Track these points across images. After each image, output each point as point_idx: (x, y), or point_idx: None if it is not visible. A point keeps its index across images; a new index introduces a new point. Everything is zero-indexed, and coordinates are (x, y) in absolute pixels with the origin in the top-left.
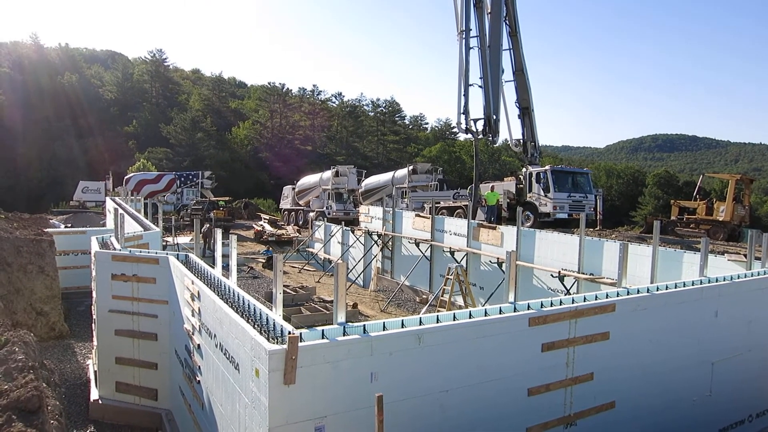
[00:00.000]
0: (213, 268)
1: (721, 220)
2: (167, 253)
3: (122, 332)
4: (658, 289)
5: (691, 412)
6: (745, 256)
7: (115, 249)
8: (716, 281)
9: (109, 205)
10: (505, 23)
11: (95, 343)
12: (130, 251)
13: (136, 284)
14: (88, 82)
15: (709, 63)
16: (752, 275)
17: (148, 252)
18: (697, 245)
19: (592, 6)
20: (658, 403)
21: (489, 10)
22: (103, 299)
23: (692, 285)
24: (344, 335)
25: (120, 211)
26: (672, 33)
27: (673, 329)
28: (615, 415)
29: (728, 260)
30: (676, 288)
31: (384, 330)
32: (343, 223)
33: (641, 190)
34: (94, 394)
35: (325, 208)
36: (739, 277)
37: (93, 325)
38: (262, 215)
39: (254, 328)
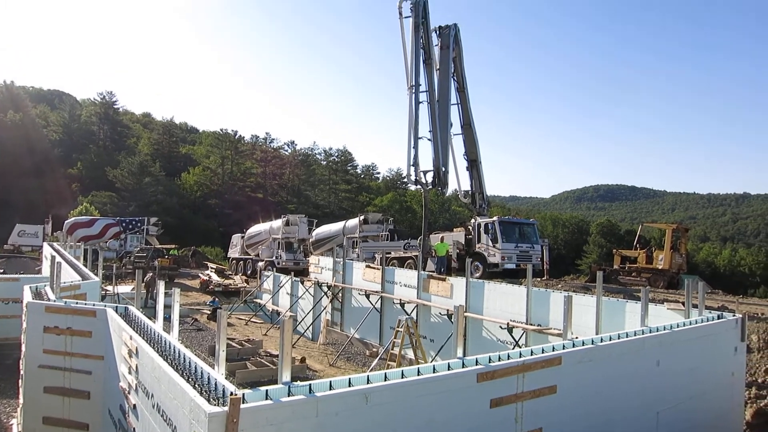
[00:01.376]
0: (154, 320)
1: (660, 268)
2: (105, 305)
3: (52, 390)
4: (602, 340)
5: None
6: (683, 304)
7: (49, 299)
8: (657, 330)
9: (47, 250)
10: (453, 79)
11: (21, 400)
12: (66, 302)
13: (70, 338)
14: (33, 121)
15: (646, 116)
16: (690, 323)
17: (85, 303)
18: (639, 294)
19: (537, 61)
20: None
21: (438, 67)
22: (33, 353)
23: (634, 335)
24: (289, 395)
25: (57, 258)
26: (609, 89)
27: (618, 380)
28: None
29: (668, 309)
30: (619, 339)
31: (330, 389)
32: (292, 273)
33: (585, 239)
34: None
35: (274, 258)
36: (678, 326)
37: (20, 380)
38: (209, 264)
39: (194, 388)
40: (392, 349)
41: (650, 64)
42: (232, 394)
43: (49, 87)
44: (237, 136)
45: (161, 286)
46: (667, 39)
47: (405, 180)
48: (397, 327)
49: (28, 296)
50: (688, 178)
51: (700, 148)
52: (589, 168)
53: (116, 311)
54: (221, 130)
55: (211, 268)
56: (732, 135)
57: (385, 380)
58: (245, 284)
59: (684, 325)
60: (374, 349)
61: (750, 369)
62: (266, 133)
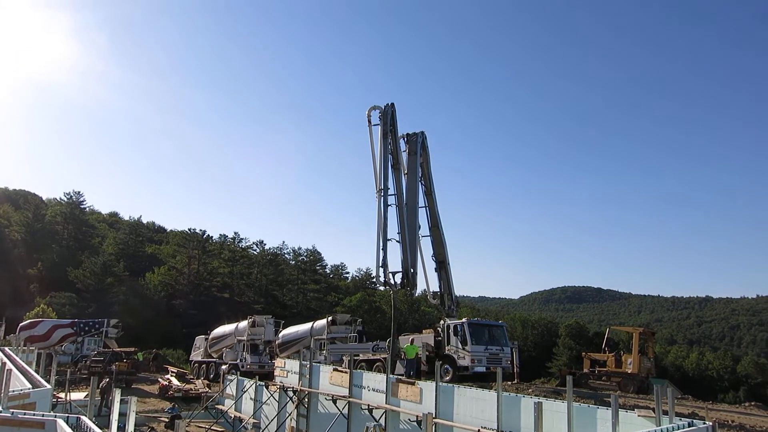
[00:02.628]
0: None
1: (630, 372)
2: (55, 416)
3: None
4: None
5: None
6: (653, 410)
7: None
8: None
9: None
10: (421, 183)
11: None
12: (13, 413)
13: None
14: None
15: (610, 219)
16: (661, 431)
17: (34, 414)
18: (609, 399)
19: (501, 165)
20: None
21: (406, 171)
22: None
23: None
24: None
25: (8, 365)
26: (573, 192)
27: None
28: None
29: (638, 416)
30: None
31: None
32: (257, 377)
33: (555, 341)
34: None
35: (239, 361)
36: None
37: None
38: (170, 368)
39: None
40: None
41: (610, 175)
42: None
43: (15, 187)
44: (205, 236)
45: (117, 393)
46: (627, 143)
47: (374, 280)
48: None
49: None
50: (653, 281)
51: (664, 252)
52: (557, 270)
53: (67, 422)
54: (189, 229)
55: (172, 372)
56: (694, 240)
57: None
58: (207, 389)
59: None
60: None
61: None
62: (234, 233)
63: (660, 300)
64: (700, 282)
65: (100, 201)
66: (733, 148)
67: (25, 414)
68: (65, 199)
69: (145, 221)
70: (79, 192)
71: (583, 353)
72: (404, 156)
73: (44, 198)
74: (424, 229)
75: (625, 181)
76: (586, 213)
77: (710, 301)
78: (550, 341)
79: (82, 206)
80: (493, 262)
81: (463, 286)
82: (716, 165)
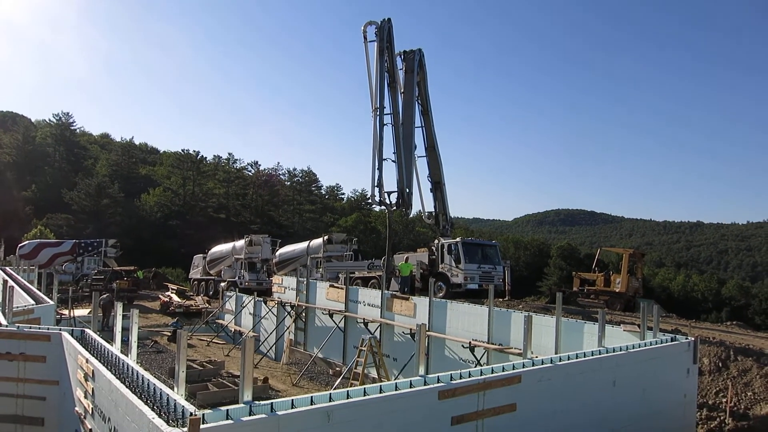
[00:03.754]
0: (112, 343)
1: (617, 291)
2: (60, 329)
3: (4, 418)
4: (560, 359)
5: None
6: (639, 326)
7: (0, 325)
8: (613, 351)
9: None
10: (418, 103)
11: None
12: (18, 327)
13: (23, 363)
14: None
15: (605, 143)
16: (645, 345)
17: (39, 328)
18: (597, 315)
19: (499, 86)
20: None
21: (402, 90)
22: None
23: (592, 355)
24: (250, 415)
25: (9, 282)
26: (570, 115)
27: (576, 398)
28: None
29: (624, 330)
30: (577, 359)
31: (292, 408)
32: (255, 293)
33: (546, 262)
34: None
35: (237, 278)
36: (633, 347)
37: None
38: (170, 285)
39: (153, 410)
40: (355, 368)
41: (610, 96)
42: (191, 414)
43: (2, 109)
44: (199, 157)
45: (119, 308)
46: (623, 70)
47: (369, 201)
48: (361, 346)
49: None
50: (645, 206)
51: (658, 177)
52: (551, 193)
53: (72, 335)
54: (183, 150)
55: (172, 289)
56: (688, 165)
57: (348, 398)
58: (207, 305)
59: (639, 347)
60: (338, 369)
61: (701, 391)
62: (229, 154)
63: (651, 224)
64: (692, 207)
65: (90, 122)
66: (729, 68)
67: (30, 328)
68: (54, 121)
69: (137, 142)
70: (68, 113)
71: (574, 273)
72: (401, 74)
73: (33, 120)
74: (420, 150)
75: (621, 103)
76: (582, 137)
77: (701, 226)
78: (541, 262)
79: (72, 127)
80: (488, 185)
81: (457, 208)
82: (713, 86)
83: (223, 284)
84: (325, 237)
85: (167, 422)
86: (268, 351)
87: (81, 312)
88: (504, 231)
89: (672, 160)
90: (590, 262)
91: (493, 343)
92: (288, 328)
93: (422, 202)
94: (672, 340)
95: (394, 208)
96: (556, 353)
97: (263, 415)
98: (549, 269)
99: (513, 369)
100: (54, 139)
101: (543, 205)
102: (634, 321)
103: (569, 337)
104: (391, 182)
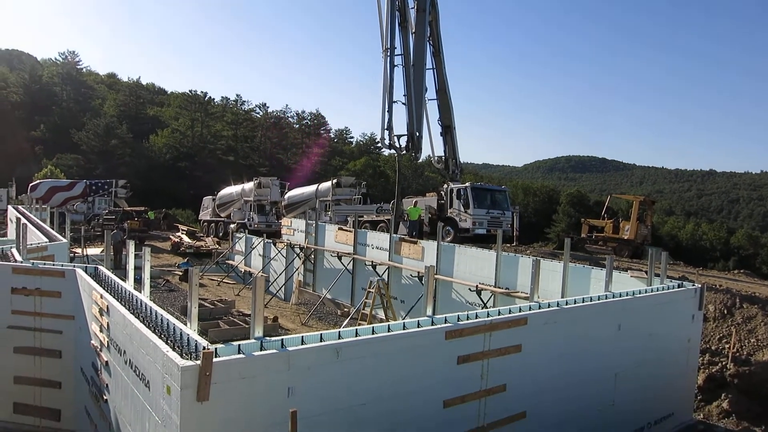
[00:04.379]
0: (124, 281)
1: (626, 238)
2: (74, 265)
3: (22, 350)
4: (567, 303)
5: (596, 421)
6: (646, 272)
7: (16, 261)
8: (620, 296)
9: (11, 213)
10: (429, 43)
11: None
12: (33, 263)
13: (39, 298)
14: None
15: (618, 91)
16: (652, 291)
17: (53, 264)
18: (604, 261)
19: (511, 33)
20: (566, 413)
21: (413, 30)
22: (1, 314)
23: (598, 300)
24: (261, 350)
25: (23, 220)
26: (583, 63)
27: (581, 341)
28: (525, 425)
29: (631, 276)
30: (583, 302)
31: (302, 344)
32: (264, 235)
33: (555, 208)
34: None
35: (246, 220)
36: (640, 293)
37: None
38: (180, 226)
39: (167, 343)
40: (363, 309)
41: (623, 44)
42: (204, 348)
43: (7, 47)
44: (207, 98)
45: (131, 246)
46: (639, 19)
47: (379, 144)
48: (369, 288)
49: None
50: (657, 153)
51: (671, 125)
52: (562, 139)
53: (86, 271)
54: (190, 91)
55: (182, 230)
56: (701, 114)
57: (356, 336)
58: (217, 246)
59: (646, 292)
60: (346, 309)
61: (705, 337)
62: (237, 95)
63: (663, 172)
64: (705, 155)
65: (96, 62)
66: (744, 21)
67: (45, 264)
68: (60, 59)
69: (144, 83)
70: (74, 51)
71: (582, 219)
72: (412, 13)
73: (39, 59)
74: (430, 93)
75: (635, 52)
76: (595, 83)
77: (713, 174)
78: (550, 209)
79: (78, 66)
80: (499, 130)
81: (467, 153)
82: (726, 39)
83: (232, 226)
84: (334, 180)
85: (181, 355)
86: (277, 291)
87: (93, 251)
88: (513, 177)
89: (687, 107)
90: (599, 209)
91: (499, 287)
92: (297, 269)
93: (432, 146)
94: (679, 287)
95: (404, 151)
96: (562, 298)
97: (274, 351)
98: (558, 216)
99: (519, 311)
100: (61, 78)
101: (553, 151)
102: (642, 267)
103: (576, 282)
104: (401, 125)
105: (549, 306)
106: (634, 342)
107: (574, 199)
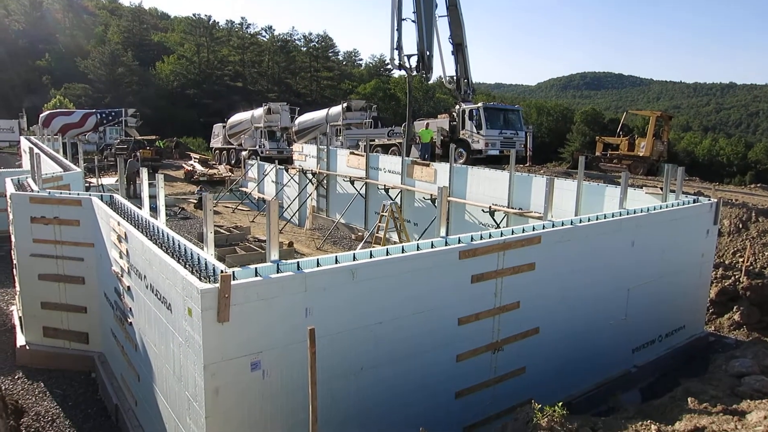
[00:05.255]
0: (140, 209)
1: (641, 155)
2: (90, 194)
3: (46, 276)
4: (581, 221)
5: (608, 335)
6: (661, 189)
7: (32, 191)
8: (634, 213)
9: (24, 144)
10: None
11: (18, 288)
12: (50, 193)
13: (59, 227)
14: None
15: (638, 6)
16: (667, 206)
17: (69, 193)
18: (619, 179)
19: None
20: (579, 328)
21: None
22: (23, 243)
23: (612, 217)
24: (278, 272)
25: (36, 150)
26: None
27: (594, 259)
28: (539, 339)
29: (646, 193)
30: (597, 220)
31: (318, 266)
32: (276, 161)
33: (569, 127)
34: (21, 340)
35: (257, 147)
36: (655, 209)
37: (14, 270)
38: (193, 155)
39: (185, 268)
40: (377, 233)
41: None
42: (222, 271)
43: None
44: (211, 22)
45: (144, 173)
46: None
47: (388, 66)
48: (382, 211)
49: (10, 188)
50: (675, 67)
51: (689, 37)
52: (577, 55)
53: (102, 200)
54: (194, 15)
55: (195, 158)
56: (721, 24)
57: (371, 258)
58: (230, 173)
59: (661, 208)
60: (360, 233)
61: (719, 251)
62: (242, 18)
63: (681, 86)
64: (725, 68)
65: None
66: None
67: (61, 193)
68: None
69: (146, 7)
70: None
71: (597, 137)
72: None
73: None
74: (441, 9)
75: None
76: None
77: (733, 87)
78: (564, 128)
79: None
80: (512, 48)
81: (479, 73)
82: None
83: (244, 153)
84: (344, 104)
85: (200, 279)
86: (291, 217)
87: (107, 180)
88: (527, 96)
89: (707, 19)
90: (614, 127)
91: (513, 208)
92: (310, 195)
93: (443, 65)
94: (694, 202)
95: (414, 72)
96: (576, 216)
97: (290, 273)
98: (572, 135)
99: (533, 230)
100: (61, 4)
101: (568, 68)
102: (657, 184)
103: (590, 201)
104: (411, 45)
105: (563, 224)
106: (648, 258)
107: (589, 117)
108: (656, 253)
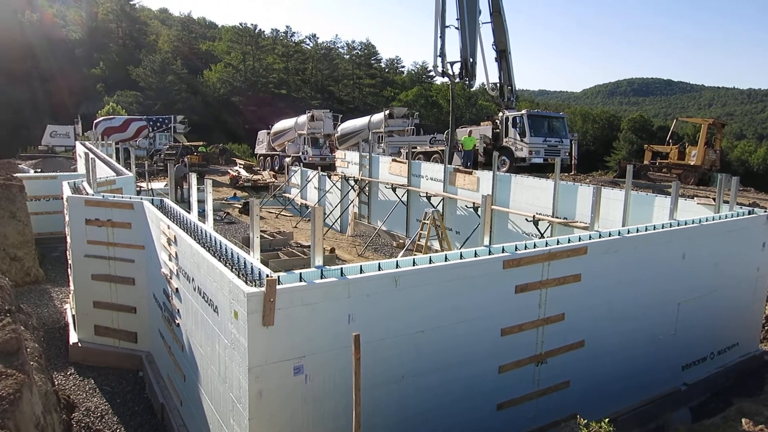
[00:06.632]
0: (189, 213)
1: (692, 164)
2: (142, 198)
3: (99, 277)
4: (629, 231)
5: (657, 350)
6: (714, 199)
7: (88, 194)
8: (685, 224)
9: (80, 149)
10: None
11: (72, 287)
12: (104, 196)
13: (111, 229)
14: (51, 21)
15: (686, 6)
16: (720, 218)
17: (122, 197)
18: (669, 189)
19: None
20: (626, 342)
21: None
22: (77, 244)
23: (662, 228)
24: (322, 278)
25: (91, 155)
26: None
27: (642, 271)
28: (584, 353)
29: (697, 203)
30: (646, 231)
31: (361, 273)
32: (319, 168)
33: (616, 135)
34: (74, 338)
35: (301, 153)
36: (707, 220)
37: (69, 270)
38: (238, 160)
39: (232, 271)
40: (418, 240)
41: None
42: (267, 276)
43: None
44: (257, 31)
45: (193, 179)
46: None
47: (431, 73)
48: (424, 219)
49: (67, 191)
50: (727, 73)
51: (743, 41)
52: (623, 61)
53: (152, 203)
54: (240, 24)
55: (240, 164)
56: None
57: (414, 265)
58: (273, 179)
59: (713, 220)
60: (401, 241)
61: None
62: (287, 27)
63: (734, 92)
64: None
65: None
66: None
67: (114, 197)
68: None
69: (195, 17)
70: None
71: (645, 145)
72: None
73: None
74: (484, 15)
75: None
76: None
77: None
78: (610, 135)
79: (131, 2)
80: (556, 54)
81: (522, 80)
82: None
83: (287, 159)
84: (387, 111)
85: (246, 282)
86: (333, 223)
87: (157, 185)
88: (572, 103)
89: (762, 21)
90: (663, 134)
91: (557, 217)
92: (352, 201)
93: (486, 72)
94: (749, 214)
95: (457, 79)
96: (623, 227)
97: (334, 279)
98: (618, 143)
99: (579, 240)
100: (115, 15)
101: (614, 74)
102: (709, 195)
103: (638, 211)
104: (454, 52)
105: (610, 235)
106: (700, 271)
107: (637, 124)
108: (708, 266)
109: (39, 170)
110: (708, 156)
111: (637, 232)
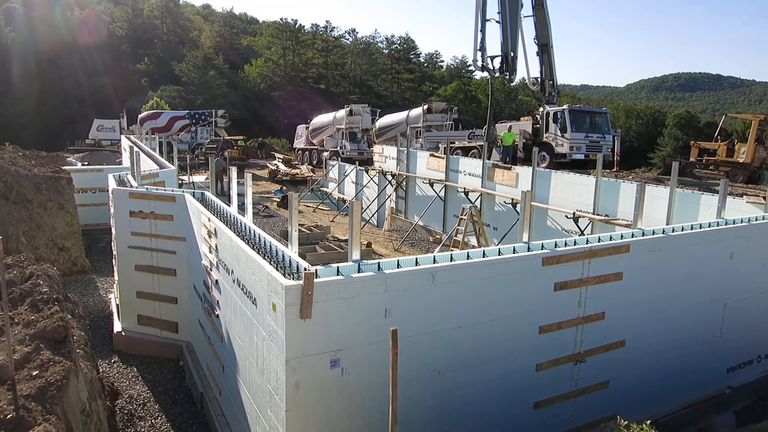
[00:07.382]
0: (229, 205)
1: (741, 161)
2: (183, 191)
3: (142, 268)
4: (673, 230)
5: (701, 352)
6: (764, 198)
7: (132, 186)
8: (733, 223)
9: (125, 143)
10: None
11: (116, 277)
12: (147, 189)
13: (154, 221)
14: (99, 17)
15: (739, 2)
16: None
17: (165, 190)
18: (716, 187)
19: None
20: (668, 343)
21: None
22: (122, 235)
23: (708, 227)
24: (359, 272)
25: (135, 149)
26: None
27: (687, 270)
28: (625, 353)
29: (746, 202)
30: (692, 230)
31: (398, 267)
32: (357, 162)
33: (660, 131)
34: (117, 327)
35: (339, 148)
36: (756, 219)
37: (113, 260)
38: (277, 155)
39: (270, 264)
40: (455, 236)
41: None
42: (305, 269)
43: None
44: (297, 26)
45: (233, 172)
46: None
47: (470, 68)
48: (461, 214)
49: (112, 184)
50: None
51: None
52: (669, 54)
53: (194, 196)
54: (281, 19)
55: (279, 158)
56: None
57: (451, 261)
58: (311, 173)
59: (763, 219)
60: (438, 236)
61: None
62: (326, 22)
63: None
64: None
65: None
66: None
67: (157, 189)
68: None
69: (237, 12)
70: None
71: (692, 142)
72: None
73: None
74: (526, 9)
75: None
76: None
77: None
78: (655, 131)
79: None
80: (598, 48)
81: (564, 75)
82: None
83: (325, 153)
84: (425, 106)
85: (284, 275)
86: (370, 218)
87: (198, 178)
88: (615, 98)
89: None
90: (711, 131)
91: (598, 214)
92: (389, 196)
93: (527, 67)
94: None
95: (497, 73)
96: (668, 225)
97: (371, 273)
98: (663, 139)
99: (621, 238)
100: (160, 11)
101: (660, 68)
102: (759, 193)
103: (684, 209)
104: (494, 46)
105: (654, 233)
106: (748, 272)
107: (682, 120)
108: (757, 267)
109: (86, 163)
110: (758, 153)
111: (683, 230)
